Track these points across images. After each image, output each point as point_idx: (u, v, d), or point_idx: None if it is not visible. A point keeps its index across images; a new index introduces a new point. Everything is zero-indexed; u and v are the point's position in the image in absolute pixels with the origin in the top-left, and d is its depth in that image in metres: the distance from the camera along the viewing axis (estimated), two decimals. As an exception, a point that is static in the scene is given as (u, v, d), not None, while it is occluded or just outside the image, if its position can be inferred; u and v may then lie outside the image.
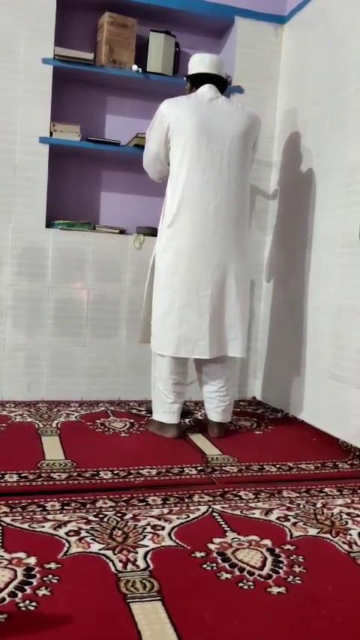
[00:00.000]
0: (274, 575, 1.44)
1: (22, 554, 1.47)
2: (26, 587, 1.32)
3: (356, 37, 2.58)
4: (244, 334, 2.60)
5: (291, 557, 1.54)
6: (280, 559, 1.53)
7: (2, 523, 1.64)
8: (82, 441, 2.47)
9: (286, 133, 3.21)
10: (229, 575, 1.43)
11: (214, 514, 1.79)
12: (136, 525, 1.68)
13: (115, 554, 1.50)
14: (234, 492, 1.98)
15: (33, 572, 1.39)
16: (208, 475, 2.15)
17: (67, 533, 1.60)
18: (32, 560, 1.44)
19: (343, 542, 1.65)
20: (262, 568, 1.47)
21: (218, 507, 1.84)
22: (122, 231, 3.23)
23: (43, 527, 1.63)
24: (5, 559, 1.44)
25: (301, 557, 1.55)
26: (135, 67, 3.11)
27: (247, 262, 2.65)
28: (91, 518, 1.71)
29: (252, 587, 1.38)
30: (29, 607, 1.25)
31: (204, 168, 2.45)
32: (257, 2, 3.26)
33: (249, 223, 2.70)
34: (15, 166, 2.99)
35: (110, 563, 1.45)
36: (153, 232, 3.01)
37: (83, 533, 1.60)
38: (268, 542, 1.62)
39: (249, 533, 1.66)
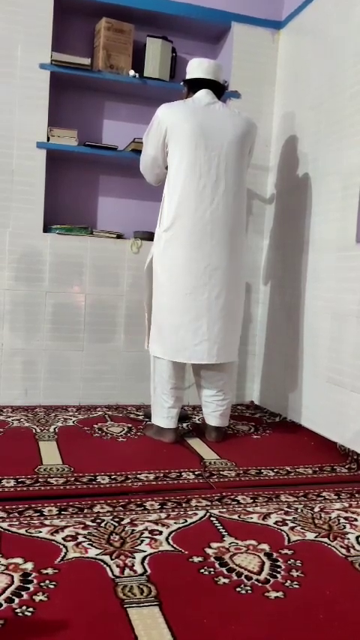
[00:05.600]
0: (272, 580, 1.44)
1: (19, 560, 1.46)
2: (23, 592, 1.32)
3: (351, 41, 2.59)
4: (237, 338, 2.64)
5: (289, 562, 1.54)
6: (278, 563, 1.52)
7: (-1, 528, 1.64)
8: (79, 445, 2.47)
9: (283, 138, 3.22)
10: (226, 580, 1.43)
11: (212, 519, 1.79)
12: (133, 530, 1.67)
13: (112, 560, 1.49)
14: (232, 497, 1.98)
15: (30, 578, 1.38)
16: (205, 480, 2.15)
17: (64, 539, 1.59)
18: (29, 566, 1.44)
19: (341, 547, 1.65)
20: (259, 573, 1.47)
21: (216, 512, 1.84)
22: (120, 236, 3.24)
23: (40, 532, 1.63)
24: (2, 564, 1.44)
25: (298, 561, 1.54)
26: (132, 73, 3.12)
27: (243, 266, 2.66)
28: (88, 523, 1.70)
29: (250, 591, 1.38)
30: (26, 613, 1.24)
31: (201, 172, 2.45)
32: (254, 8, 3.28)
33: (246, 227, 2.71)
34: (12, 171, 3.00)
35: (107, 569, 1.45)
36: (150, 237, 3.02)
37: (80, 539, 1.60)
38: (265, 546, 1.62)
39: (246, 538, 1.66)
